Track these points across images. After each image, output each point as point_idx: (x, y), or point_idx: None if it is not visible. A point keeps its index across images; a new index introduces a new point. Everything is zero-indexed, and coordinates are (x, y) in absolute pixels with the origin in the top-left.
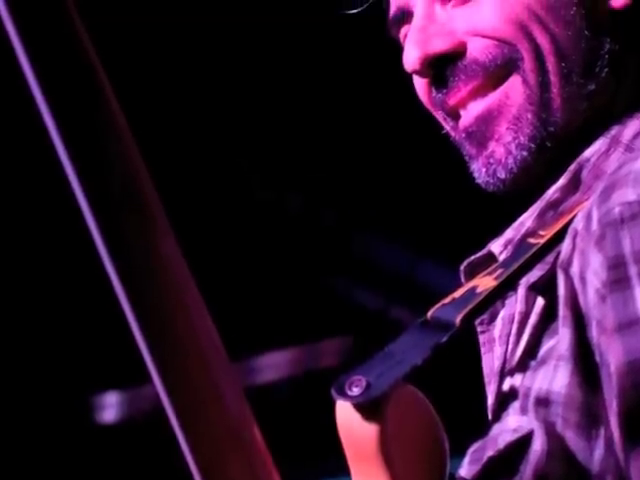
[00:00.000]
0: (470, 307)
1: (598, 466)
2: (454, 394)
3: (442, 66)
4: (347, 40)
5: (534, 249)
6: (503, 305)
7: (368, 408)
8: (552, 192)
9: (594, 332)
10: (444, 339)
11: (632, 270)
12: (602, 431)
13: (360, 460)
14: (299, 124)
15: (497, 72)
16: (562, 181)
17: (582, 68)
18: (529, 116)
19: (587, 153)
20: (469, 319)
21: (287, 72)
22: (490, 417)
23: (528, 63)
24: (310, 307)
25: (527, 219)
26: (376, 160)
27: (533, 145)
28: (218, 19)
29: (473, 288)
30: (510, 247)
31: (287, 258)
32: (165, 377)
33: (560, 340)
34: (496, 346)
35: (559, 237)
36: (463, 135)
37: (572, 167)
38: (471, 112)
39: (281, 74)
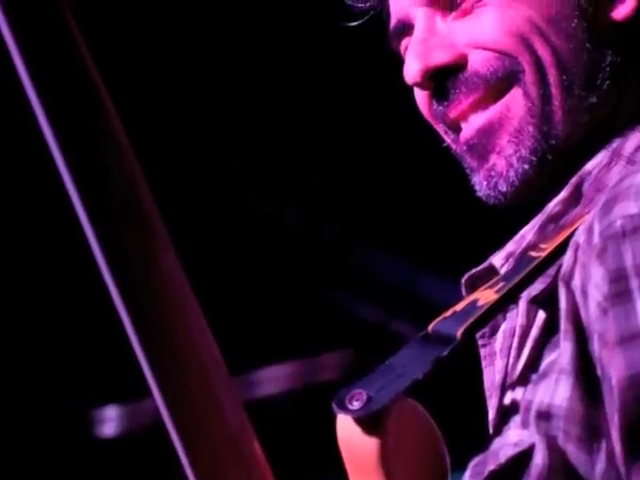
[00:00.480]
0: (471, 320)
1: None
2: (455, 408)
3: (443, 79)
4: (349, 52)
5: (535, 262)
6: (504, 318)
7: (369, 422)
8: (553, 205)
9: (595, 345)
10: (445, 353)
11: (634, 283)
12: (603, 445)
13: (361, 474)
14: (300, 137)
15: (498, 84)
16: (563, 194)
17: (583, 80)
18: (530, 129)
19: (588, 166)
20: (470, 333)
21: (289, 85)
22: (491, 431)
23: (529, 75)
24: (310, 320)
25: (528, 232)
26: (377, 173)
27: (534, 158)
28: (219, 24)
29: (474, 301)
30: (511, 260)
31: (287, 271)
32: (165, 391)
33: (561, 353)
34: (497, 360)
35: (560, 250)
36: (464, 148)
37: (573, 180)
38: (472, 125)
39: (283, 87)
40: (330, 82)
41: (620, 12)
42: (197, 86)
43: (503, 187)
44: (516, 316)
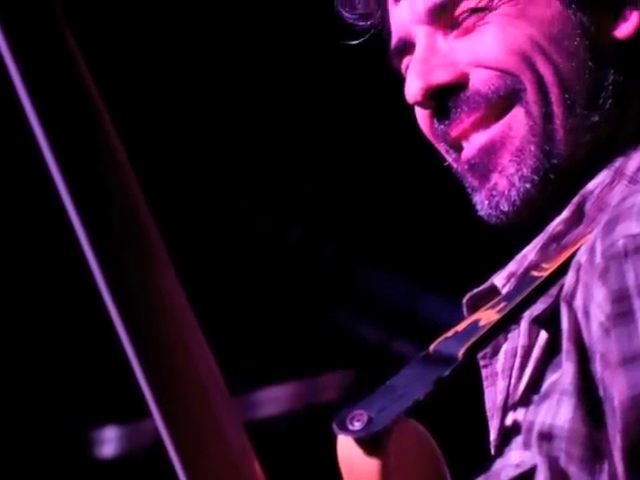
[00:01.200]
0: (473, 341)
1: None
2: (456, 428)
3: (444, 97)
4: (351, 69)
5: (537, 282)
6: (506, 339)
7: (370, 443)
8: (555, 224)
9: (598, 366)
10: (446, 373)
11: (636, 303)
12: (606, 466)
13: None
14: (301, 156)
15: (500, 103)
16: (565, 213)
17: (586, 99)
18: (532, 148)
19: (590, 185)
20: (472, 353)
21: (290, 104)
22: (493, 452)
23: (531, 94)
24: (311, 340)
25: (530, 252)
26: (377, 192)
27: (536, 177)
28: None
29: (476, 321)
30: (513, 280)
31: (288, 291)
32: (164, 411)
33: (563, 374)
34: (499, 380)
35: (562, 270)
36: (465, 167)
37: (575, 199)
38: (473, 144)
39: (284, 105)
40: (331, 101)
41: (622, 30)
42: (196, 103)
43: (505, 206)
44: (518, 336)
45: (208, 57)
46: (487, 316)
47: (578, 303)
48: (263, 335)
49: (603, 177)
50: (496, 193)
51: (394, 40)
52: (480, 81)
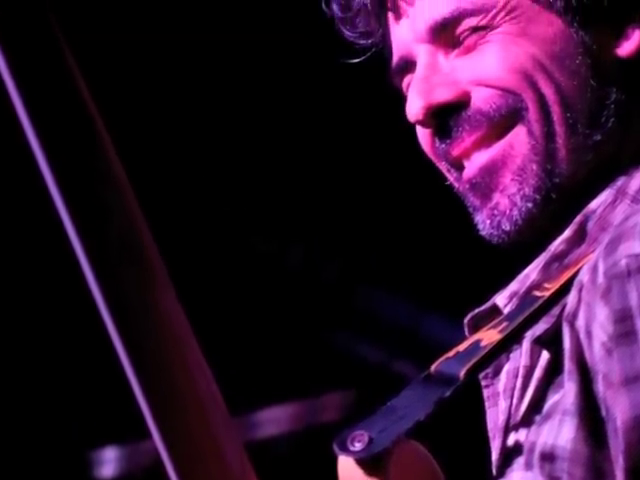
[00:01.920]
0: (474, 361)
1: None
2: (458, 449)
3: (446, 116)
4: (349, 89)
5: (539, 302)
6: (508, 359)
7: (370, 463)
8: (557, 244)
9: (600, 386)
10: (448, 393)
11: (639, 323)
12: None
13: None
14: (301, 176)
15: (501, 122)
16: (567, 233)
17: (588, 118)
18: (534, 167)
19: (593, 204)
20: (473, 373)
21: (290, 127)
22: (494, 472)
23: (533, 113)
24: (311, 361)
25: (532, 271)
26: (379, 212)
27: (538, 196)
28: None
29: (477, 341)
30: (515, 300)
31: (288, 311)
32: (164, 432)
33: (565, 394)
34: (500, 400)
35: (565, 290)
36: (467, 186)
37: (578, 219)
38: (475, 163)
39: (284, 128)
40: (332, 122)
41: (625, 49)
42: (196, 122)
43: (506, 226)
44: (520, 356)
45: (211, 79)
46: (489, 336)
47: (580, 323)
48: (263, 355)
49: (605, 196)
50: (498, 212)
51: (395, 59)
52: (482, 100)
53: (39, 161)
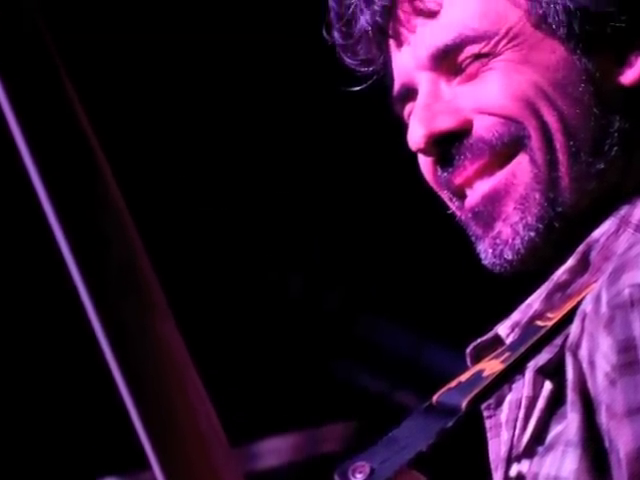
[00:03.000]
0: (476, 391)
1: None
2: None
3: (448, 144)
4: (350, 115)
5: (542, 332)
6: (510, 389)
7: None
8: (560, 273)
9: (603, 417)
10: (450, 424)
11: None
12: None
13: None
14: (301, 205)
15: (504, 150)
16: (570, 262)
17: (591, 146)
18: (537, 196)
19: (596, 234)
20: (475, 404)
21: (289, 151)
22: None
23: (535, 141)
24: (312, 391)
25: (535, 301)
26: (381, 242)
27: (541, 225)
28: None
29: (479, 372)
30: (517, 330)
31: (289, 341)
32: (164, 463)
33: (568, 425)
34: (503, 431)
35: (567, 319)
36: (469, 215)
37: (581, 248)
38: (477, 191)
39: (283, 153)
40: (332, 150)
41: (628, 77)
42: (194, 144)
43: (509, 255)
44: (522, 387)
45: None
46: (491, 366)
47: (583, 353)
48: (264, 386)
49: (608, 225)
50: (500, 242)
51: (396, 86)
52: (484, 128)
53: (39, 192)
